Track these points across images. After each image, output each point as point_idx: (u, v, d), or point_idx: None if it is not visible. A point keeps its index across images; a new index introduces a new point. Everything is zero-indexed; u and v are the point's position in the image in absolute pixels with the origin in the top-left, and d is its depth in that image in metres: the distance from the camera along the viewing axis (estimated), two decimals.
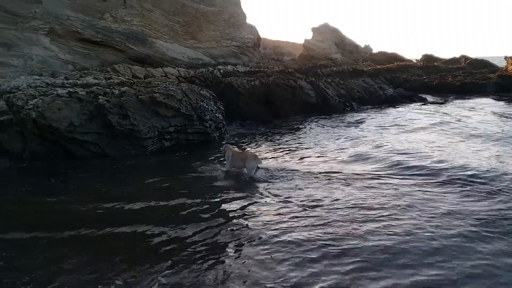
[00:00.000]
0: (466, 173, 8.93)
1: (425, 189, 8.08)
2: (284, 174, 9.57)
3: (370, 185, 8.42)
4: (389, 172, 9.45)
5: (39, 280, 4.87)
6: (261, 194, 8.12)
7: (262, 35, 37.69)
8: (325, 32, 46.57)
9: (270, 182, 8.93)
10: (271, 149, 13.01)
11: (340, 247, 5.53)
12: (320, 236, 5.90)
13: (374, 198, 7.57)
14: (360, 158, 11.13)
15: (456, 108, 21.62)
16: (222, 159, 11.00)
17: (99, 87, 13.75)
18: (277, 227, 6.29)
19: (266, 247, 5.61)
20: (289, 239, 5.85)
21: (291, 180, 9.03)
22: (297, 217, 6.75)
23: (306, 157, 11.59)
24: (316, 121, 17.97)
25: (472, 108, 21.65)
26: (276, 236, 5.97)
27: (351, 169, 9.82)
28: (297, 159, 11.35)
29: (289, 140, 14.55)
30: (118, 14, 24.19)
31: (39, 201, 7.99)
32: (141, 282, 4.76)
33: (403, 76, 31.60)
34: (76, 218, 6.89)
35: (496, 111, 20.31)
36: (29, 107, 11.29)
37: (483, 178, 8.54)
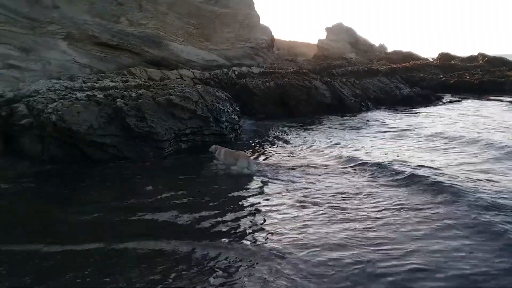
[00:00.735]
0: None
1: None
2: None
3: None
4: None
5: None
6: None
7: (276, 36, 37.62)
8: (339, 32, 46.30)
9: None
10: (286, 149, 12.96)
11: None
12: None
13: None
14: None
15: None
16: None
17: (116, 90, 13.90)
18: None
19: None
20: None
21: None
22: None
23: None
24: (332, 122, 17.84)
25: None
26: None
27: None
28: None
29: (304, 139, 14.50)
30: (133, 18, 24.39)
31: (52, 211, 7.85)
32: None
33: (420, 75, 31.19)
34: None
35: None
36: (49, 110, 11.47)
37: None
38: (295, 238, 5.97)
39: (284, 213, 7.15)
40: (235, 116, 15.85)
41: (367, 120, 17.86)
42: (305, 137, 14.91)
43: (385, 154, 11.33)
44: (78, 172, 10.50)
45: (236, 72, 24.76)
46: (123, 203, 7.98)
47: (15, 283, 4.92)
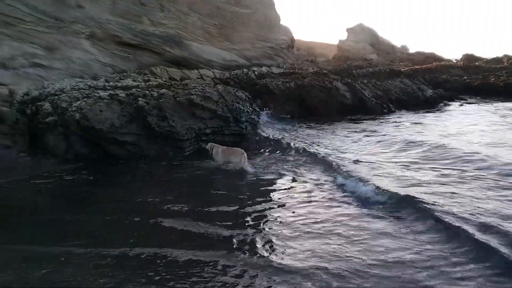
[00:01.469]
0: None
1: None
2: None
3: None
4: None
5: None
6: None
7: (296, 36, 37.46)
8: (360, 33, 45.78)
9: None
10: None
11: None
12: None
13: None
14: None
15: None
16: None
17: (138, 89, 14.04)
18: None
19: None
20: None
21: None
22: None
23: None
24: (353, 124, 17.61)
25: None
26: None
27: None
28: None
29: (321, 140, 14.34)
30: (155, 18, 24.63)
31: (77, 210, 7.98)
32: None
33: (443, 77, 30.56)
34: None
35: None
36: (73, 109, 11.65)
37: None
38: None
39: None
40: (255, 116, 15.83)
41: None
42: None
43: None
44: (102, 171, 10.64)
45: (256, 72, 24.74)
46: (142, 204, 8.00)
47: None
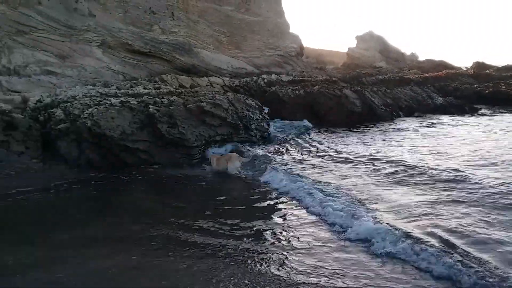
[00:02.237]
0: None
1: None
2: None
3: None
4: None
5: None
6: None
7: (305, 44, 37.55)
8: (369, 40, 45.75)
9: None
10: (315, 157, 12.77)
11: None
12: None
13: None
14: None
15: None
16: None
17: (149, 97, 14.15)
18: None
19: None
20: None
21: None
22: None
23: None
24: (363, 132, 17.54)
25: None
26: None
27: None
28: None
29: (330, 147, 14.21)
30: (166, 26, 24.90)
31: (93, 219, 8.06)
32: None
33: (453, 85, 30.36)
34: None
35: None
36: (84, 116, 11.77)
37: None
38: None
39: None
40: (265, 124, 15.86)
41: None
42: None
43: None
44: (114, 178, 10.71)
45: (265, 80, 24.83)
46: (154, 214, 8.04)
47: None
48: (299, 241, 6.26)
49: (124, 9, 22.97)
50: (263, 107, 17.05)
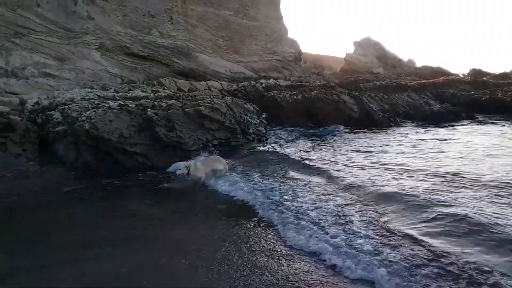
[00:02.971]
0: None
1: None
2: None
3: None
4: None
5: None
6: None
7: (303, 49, 37.68)
8: (367, 46, 46.03)
9: None
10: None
11: None
12: None
13: None
14: None
15: None
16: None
17: (147, 100, 14.16)
18: None
19: None
20: None
21: None
22: None
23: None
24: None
25: None
26: None
27: None
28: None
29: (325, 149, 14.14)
30: (164, 30, 24.95)
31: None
32: None
33: (450, 91, 30.51)
34: None
35: None
36: (82, 118, 11.74)
37: None
38: None
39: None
40: (262, 128, 15.88)
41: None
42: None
43: None
44: (110, 181, 10.67)
45: (263, 85, 24.88)
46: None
47: None
48: None
49: (123, 12, 23.00)
50: (262, 112, 17.08)
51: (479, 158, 11.56)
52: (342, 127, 18.68)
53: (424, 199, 7.26)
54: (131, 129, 12.10)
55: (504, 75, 40.06)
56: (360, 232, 6.02)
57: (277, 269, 5.15)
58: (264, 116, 16.92)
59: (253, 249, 5.85)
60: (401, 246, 5.48)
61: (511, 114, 24.48)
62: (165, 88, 20.18)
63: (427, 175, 9.34)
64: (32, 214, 8.05)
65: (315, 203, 7.60)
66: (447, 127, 20.01)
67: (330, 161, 11.92)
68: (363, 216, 6.80)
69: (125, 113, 12.48)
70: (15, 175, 10.64)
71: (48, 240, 6.51)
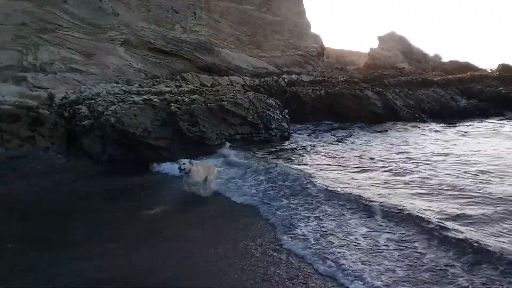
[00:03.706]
0: None
1: None
2: None
3: None
4: None
5: None
6: None
7: (326, 44, 37.27)
8: (392, 41, 45.07)
9: None
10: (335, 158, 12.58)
11: None
12: None
13: None
14: None
15: None
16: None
17: (171, 95, 14.28)
18: None
19: None
20: None
21: None
22: None
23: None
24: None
25: None
26: None
27: None
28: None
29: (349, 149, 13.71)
30: (187, 25, 25.10)
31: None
32: None
33: (478, 87, 29.63)
34: None
35: None
36: (108, 113, 11.96)
37: None
38: None
39: None
40: (285, 124, 15.81)
41: None
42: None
43: None
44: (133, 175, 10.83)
45: (285, 80, 24.74)
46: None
47: None
48: None
49: (147, 8, 23.24)
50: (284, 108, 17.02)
51: None
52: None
53: None
54: (155, 124, 12.26)
55: None
56: None
57: None
58: (286, 111, 16.83)
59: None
60: None
61: None
62: (188, 83, 20.32)
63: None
64: (57, 208, 8.24)
65: None
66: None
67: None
68: None
69: (149, 107, 12.64)
70: (43, 167, 10.95)
71: (67, 233, 6.66)
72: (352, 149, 13.45)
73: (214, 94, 15.28)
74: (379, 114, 19.76)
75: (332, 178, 8.85)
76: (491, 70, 43.40)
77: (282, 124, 15.57)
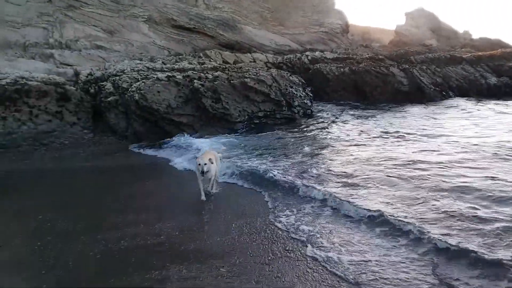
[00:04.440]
0: None
1: None
2: None
3: None
4: None
5: None
6: None
7: (350, 21, 36.39)
8: (420, 17, 43.64)
9: None
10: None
11: None
12: None
13: None
14: None
15: None
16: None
17: (194, 72, 14.31)
18: None
19: None
20: None
21: None
22: None
23: None
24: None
25: None
26: None
27: None
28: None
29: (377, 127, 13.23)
30: (210, 2, 24.91)
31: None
32: None
33: (509, 64, 28.56)
34: None
35: None
36: (132, 89, 12.10)
37: None
38: None
39: None
40: (308, 101, 15.66)
41: None
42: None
43: None
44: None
45: (309, 57, 24.38)
46: None
47: None
48: None
49: None
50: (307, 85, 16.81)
51: None
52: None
53: None
54: (178, 100, 12.35)
55: None
56: None
57: None
58: (309, 89, 16.65)
59: None
60: None
61: None
62: (211, 60, 20.28)
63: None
64: (86, 181, 8.48)
65: None
66: None
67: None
68: None
69: (172, 84, 12.72)
70: (71, 142, 11.23)
71: (100, 204, 6.85)
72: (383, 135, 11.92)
73: (237, 71, 15.21)
74: (404, 92, 19.32)
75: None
76: None
77: (305, 102, 15.44)
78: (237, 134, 12.42)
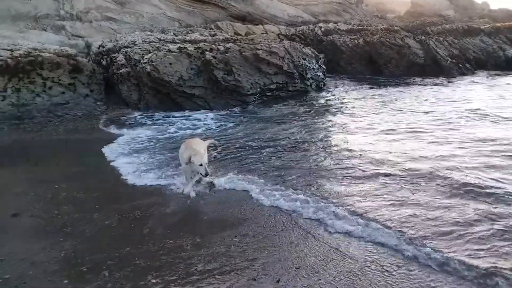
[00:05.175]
0: None
1: None
2: None
3: None
4: None
5: None
6: None
7: None
8: None
9: None
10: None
11: None
12: None
13: None
14: None
15: None
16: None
17: (205, 43, 14.15)
18: None
19: None
20: None
21: None
22: None
23: None
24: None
25: None
26: None
27: None
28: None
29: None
30: None
31: None
32: None
33: None
34: None
35: None
36: (144, 61, 12.04)
37: None
38: None
39: None
40: (321, 74, 15.45)
41: None
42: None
43: None
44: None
45: (322, 29, 23.89)
46: None
47: None
48: None
49: None
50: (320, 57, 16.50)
51: None
52: None
53: None
54: (190, 72, 12.27)
55: None
56: None
57: None
58: (322, 61, 16.37)
59: None
60: None
61: None
62: (222, 32, 20.02)
63: None
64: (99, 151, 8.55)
65: None
66: None
67: None
68: None
69: (184, 56, 12.61)
70: (84, 114, 11.31)
71: None
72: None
73: (249, 43, 14.99)
74: (420, 64, 18.89)
75: None
76: None
77: (318, 74, 15.23)
78: (249, 105, 12.35)
